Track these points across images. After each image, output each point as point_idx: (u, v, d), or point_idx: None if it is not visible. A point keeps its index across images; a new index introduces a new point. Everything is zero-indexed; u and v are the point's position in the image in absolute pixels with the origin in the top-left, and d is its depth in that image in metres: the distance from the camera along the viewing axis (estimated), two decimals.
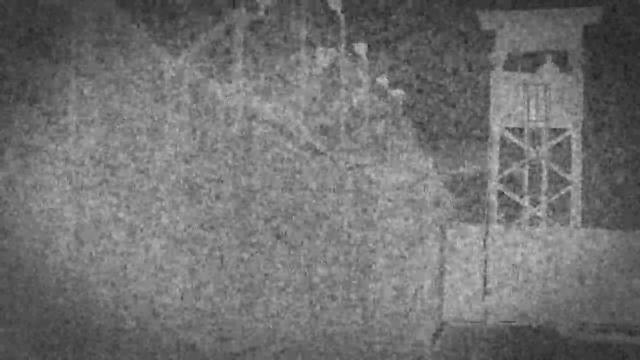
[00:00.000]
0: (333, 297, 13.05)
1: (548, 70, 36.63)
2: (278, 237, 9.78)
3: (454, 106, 43.65)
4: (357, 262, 15.23)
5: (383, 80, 20.32)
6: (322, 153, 12.00)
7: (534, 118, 36.33)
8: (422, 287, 21.16)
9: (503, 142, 37.39)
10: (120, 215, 5.99)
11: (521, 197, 36.97)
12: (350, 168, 14.05)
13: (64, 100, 5.22)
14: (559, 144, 37.61)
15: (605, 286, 38.93)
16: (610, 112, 45.44)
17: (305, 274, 11.18)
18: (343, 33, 14.92)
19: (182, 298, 7.07)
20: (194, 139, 7.31)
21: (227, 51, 9.34)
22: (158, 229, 6.61)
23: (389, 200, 18.86)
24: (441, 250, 35.18)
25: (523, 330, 35.56)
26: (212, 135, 7.72)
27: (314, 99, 13.24)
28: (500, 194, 37.44)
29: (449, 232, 39.04)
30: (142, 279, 6.37)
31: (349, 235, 14.35)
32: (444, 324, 36.84)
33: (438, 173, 26.37)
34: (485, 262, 37.53)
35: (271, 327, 9.51)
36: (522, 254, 36.52)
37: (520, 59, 36.94)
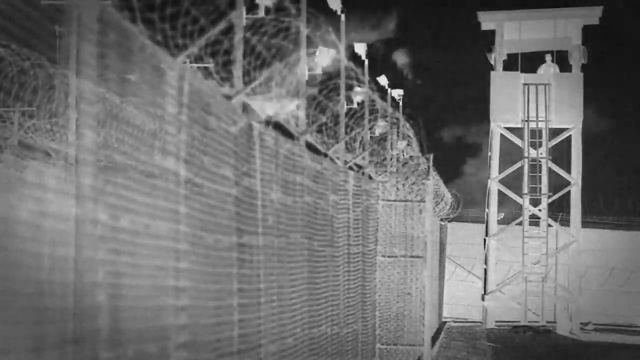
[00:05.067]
0: (333, 298, 13.06)
1: (548, 70, 36.63)
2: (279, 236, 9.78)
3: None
4: (357, 262, 15.23)
5: (383, 81, 20.32)
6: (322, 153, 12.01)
7: (534, 118, 36.31)
8: (422, 287, 21.17)
9: (503, 142, 37.39)
10: (120, 215, 6.00)
11: (521, 197, 36.97)
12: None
13: (64, 100, 5.22)
14: (558, 144, 37.58)
15: (606, 286, 38.92)
16: (610, 111, 45.42)
17: (305, 272, 11.19)
18: (343, 33, 14.93)
19: (181, 298, 7.08)
20: (195, 138, 7.32)
21: (227, 51, 9.35)
22: (158, 229, 6.62)
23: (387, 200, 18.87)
24: (441, 250, 35.17)
25: (523, 330, 35.54)
26: (212, 135, 7.72)
27: (314, 98, 13.24)
28: (500, 194, 37.43)
29: (449, 232, 39.03)
30: (142, 279, 6.38)
31: (348, 235, 14.36)
32: (443, 323, 36.83)
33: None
34: (486, 262, 37.50)
35: (271, 326, 9.52)
36: (522, 254, 36.47)
37: (520, 59, 36.94)
